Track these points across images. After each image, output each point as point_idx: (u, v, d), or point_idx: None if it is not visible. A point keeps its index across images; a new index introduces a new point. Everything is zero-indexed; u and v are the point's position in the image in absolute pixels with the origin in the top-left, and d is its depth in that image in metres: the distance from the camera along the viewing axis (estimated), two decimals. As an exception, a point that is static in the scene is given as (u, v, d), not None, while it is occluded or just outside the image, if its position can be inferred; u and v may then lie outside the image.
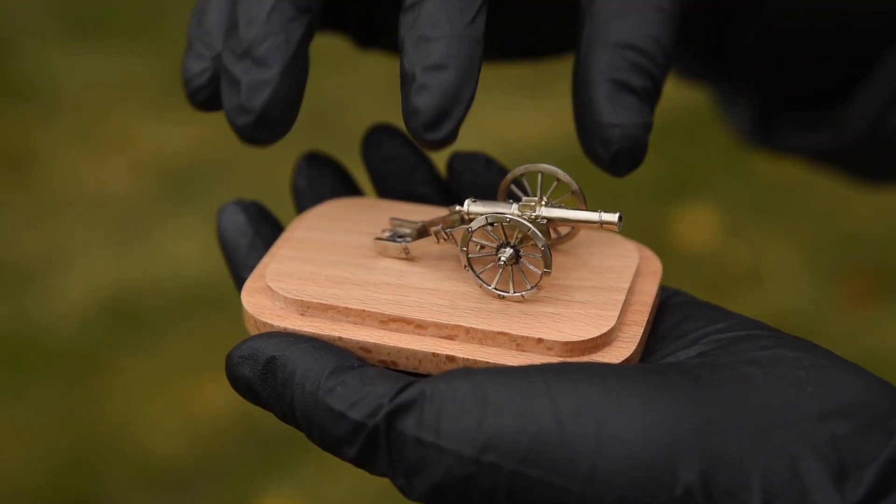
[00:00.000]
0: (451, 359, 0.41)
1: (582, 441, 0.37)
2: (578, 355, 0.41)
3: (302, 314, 0.43)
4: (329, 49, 0.75)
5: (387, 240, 0.45)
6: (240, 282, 0.46)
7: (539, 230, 0.43)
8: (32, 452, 1.47)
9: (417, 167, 0.49)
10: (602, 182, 0.61)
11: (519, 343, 0.42)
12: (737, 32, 0.57)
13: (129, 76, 2.08)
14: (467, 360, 0.41)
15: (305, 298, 0.43)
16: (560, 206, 0.44)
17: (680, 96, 0.97)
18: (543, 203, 0.44)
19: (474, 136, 0.51)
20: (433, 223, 0.45)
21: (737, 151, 1.06)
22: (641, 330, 0.43)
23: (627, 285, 0.44)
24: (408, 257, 0.45)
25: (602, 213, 0.44)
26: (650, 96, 0.44)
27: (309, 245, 0.46)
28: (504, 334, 0.42)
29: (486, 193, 0.47)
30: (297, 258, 0.45)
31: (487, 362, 0.41)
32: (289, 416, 0.41)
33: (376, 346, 0.42)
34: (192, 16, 0.45)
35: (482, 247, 0.44)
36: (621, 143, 0.43)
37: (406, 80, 0.40)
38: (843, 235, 1.76)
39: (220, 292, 1.62)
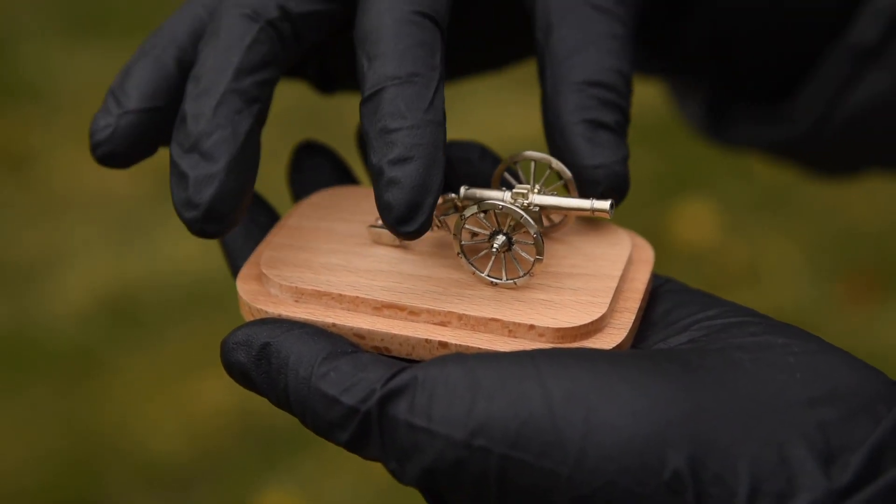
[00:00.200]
0: (443, 345, 0.42)
1: (572, 426, 0.37)
2: (570, 341, 0.42)
3: (296, 301, 0.44)
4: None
5: (381, 227, 0.46)
6: (236, 270, 0.47)
7: (531, 217, 0.43)
8: (32, 452, 1.47)
9: None
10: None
11: (511, 329, 0.42)
12: (680, 26, 0.58)
13: (128, 76, 2.08)
14: (460, 346, 0.42)
15: (300, 285, 0.44)
16: (552, 194, 0.45)
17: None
18: (536, 191, 0.45)
19: (471, 133, 0.51)
20: None
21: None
22: (633, 317, 0.43)
23: (619, 273, 0.44)
24: (401, 245, 0.45)
25: (594, 201, 0.44)
26: (622, 127, 0.45)
27: (304, 233, 0.47)
28: (496, 321, 0.42)
29: (481, 182, 0.47)
30: (292, 246, 0.46)
31: (480, 348, 0.41)
32: (283, 401, 0.42)
33: (370, 332, 0.42)
34: (117, 75, 0.45)
35: (475, 234, 0.44)
36: (607, 182, 0.44)
37: (375, 175, 0.41)
38: (842, 233, 1.76)
39: (220, 291, 1.62)
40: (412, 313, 0.43)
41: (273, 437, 1.48)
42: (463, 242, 0.44)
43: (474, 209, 0.43)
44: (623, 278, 0.44)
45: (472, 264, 0.44)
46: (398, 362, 0.40)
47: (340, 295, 0.43)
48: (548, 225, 0.46)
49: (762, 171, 1.77)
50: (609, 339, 0.42)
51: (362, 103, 0.42)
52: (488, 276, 0.43)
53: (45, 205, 1.83)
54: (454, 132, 0.48)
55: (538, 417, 0.37)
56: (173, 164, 0.42)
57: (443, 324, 0.42)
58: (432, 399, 0.38)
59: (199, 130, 0.42)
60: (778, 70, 0.60)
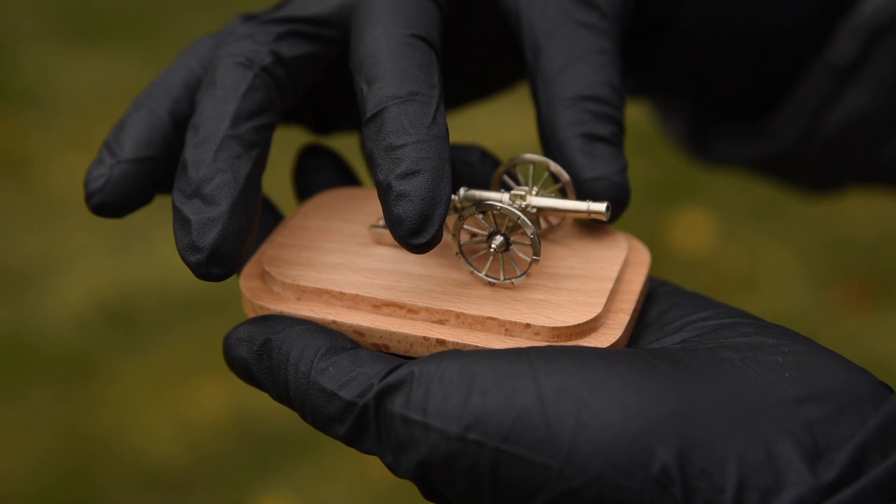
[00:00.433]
0: (441, 342, 0.42)
1: (563, 421, 0.38)
2: (565, 340, 0.42)
3: (298, 298, 0.45)
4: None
5: (382, 227, 0.46)
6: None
7: (529, 219, 0.44)
8: (29, 456, 1.47)
9: None
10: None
11: (507, 328, 0.42)
12: (654, 46, 0.58)
13: (126, 81, 2.08)
14: (457, 343, 0.42)
15: (302, 283, 0.44)
16: (550, 196, 0.45)
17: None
18: (534, 193, 0.45)
19: (470, 140, 0.52)
20: None
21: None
22: (627, 318, 0.44)
23: (615, 274, 0.45)
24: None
25: (590, 203, 0.44)
26: (619, 138, 0.46)
27: (306, 232, 0.47)
28: (493, 319, 0.43)
29: (481, 184, 0.48)
30: (295, 245, 0.47)
31: (477, 346, 0.42)
32: (283, 395, 0.42)
33: (369, 329, 0.43)
34: (112, 128, 0.46)
35: (474, 234, 0.45)
36: (608, 193, 0.45)
37: (383, 191, 0.42)
38: (837, 241, 1.76)
39: (217, 296, 1.63)
40: (411, 311, 0.43)
41: (270, 443, 1.48)
42: (461, 243, 0.44)
43: (473, 210, 0.44)
44: (619, 280, 0.45)
45: (470, 264, 0.44)
46: (396, 359, 0.41)
47: (341, 293, 0.44)
48: (546, 227, 0.47)
49: (775, 188, 1.77)
50: (604, 339, 0.43)
51: (364, 124, 0.43)
52: (486, 276, 0.44)
53: (43, 209, 1.83)
54: (453, 140, 0.49)
55: (531, 412, 0.38)
56: (176, 211, 0.43)
57: (441, 322, 0.43)
58: (428, 394, 0.39)
59: (201, 176, 0.43)
60: (757, 88, 0.61)
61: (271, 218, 0.49)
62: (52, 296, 1.68)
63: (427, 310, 0.43)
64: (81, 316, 1.65)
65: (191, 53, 0.48)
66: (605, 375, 0.39)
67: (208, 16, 2.27)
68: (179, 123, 0.46)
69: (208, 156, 0.43)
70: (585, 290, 0.44)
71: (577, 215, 0.45)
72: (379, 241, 0.47)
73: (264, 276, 0.45)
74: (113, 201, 0.45)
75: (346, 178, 0.52)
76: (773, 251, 1.75)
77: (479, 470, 0.38)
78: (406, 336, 0.43)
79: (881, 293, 1.69)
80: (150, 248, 1.73)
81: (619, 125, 0.46)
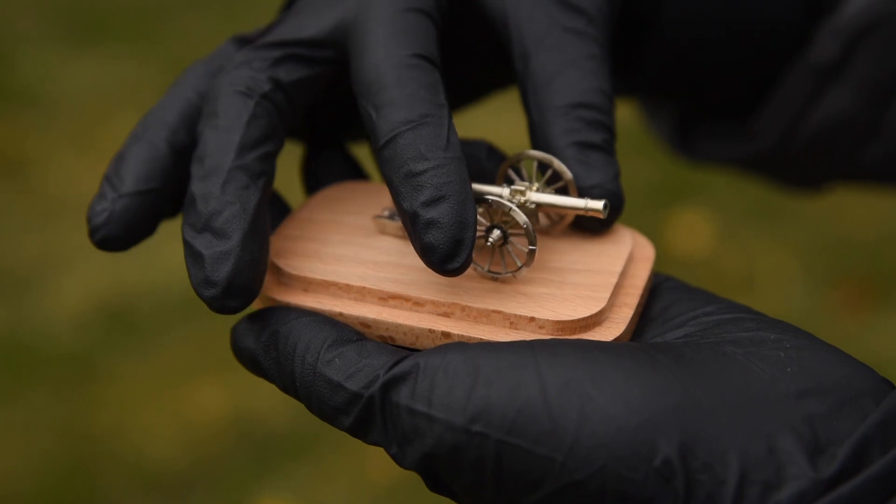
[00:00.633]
0: (446, 335, 0.43)
1: (567, 413, 0.38)
2: (569, 334, 0.42)
3: (305, 290, 0.45)
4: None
5: (387, 218, 0.46)
6: None
7: (526, 213, 0.44)
8: (28, 457, 1.47)
9: None
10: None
11: (512, 321, 0.43)
12: (638, 47, 0.58)
13: (125, 82, 2.09)
14: (462, 336, 0.42)
15: (309, 275, 0.45)
16: (549, 193, 0.45)
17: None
18: (534, 189, 0.45)
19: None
20: None
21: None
22: (632, 312, 0.44)
23: (620, 269, 0.45)
24: (405, 235, 0.46)
25: (588, 200, 0.45)
26: (610, 144, 0.46)
27: (314, 225, 0.48)
28: (498, 312, 0.43)
29: (487, 179, 0.48)
30: (303, 237, 0.47)
31: (481, 339, 0.42)
32: (289, 386, 0.43)
33: (375, 321, 0.43)
34: (111, 161, 0.46)
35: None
36: (603, 200, 0.45)
37: (410, 220, 0.42)
38: (836, 241, 1.76)
39: (216, 297, 1.62)
40: (417, 304, 0.44)
41: (268, 443, 1.48)
42: None
43: None
44: (623, 275, 0.45)
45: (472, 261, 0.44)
46: (402, 350, 0.41)
47: (348, 285, 0.44)
48: (548, 223, 0.47)
49: (759, 185, 1.77)
50: (607, 333, 0.43)
51: (378, 152, 0.43)
52: (489, 271, 0.44)
53: (42, 210, 1.83)
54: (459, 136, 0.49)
55: (535, 405, 0.38)
56: (187, 245, 0.43)
57: (446, 315, 0.43)
58: (433, 385, 0.39)
59: (210, 210, 0.43)
60: (741, 89, 0.61)
61: (279, 210, 0.49)
62: (51, 296, 1.68)
63: (433, 302, 0.43)
64: (81, 316, 1.65)
65: (185, 82, 0.48)
66: (608, 369, 0.39)
67: (208, 16, 2.27)
68: (178, 154, 0.46)
69: (216, 188, 0.43)
70: (590, 284, 0.44)
71: (575, 212, 0.45)
72: (383, 231, 0.47)
73: (272, 267, 0.45)
74: (117, 235, 0.45)
75: (354, 171, 0.52)
76: (772, 252, 1.75)
77: (483, 461, 0.39)
78: (412, 328, 0.43)
79: (880, 294, 1.69)
80: (149, 249, 1.73)
81: (611, 131, 0.46)
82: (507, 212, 0.44)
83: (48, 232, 1.79)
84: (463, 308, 0.43)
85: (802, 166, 0.63)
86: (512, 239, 0.45)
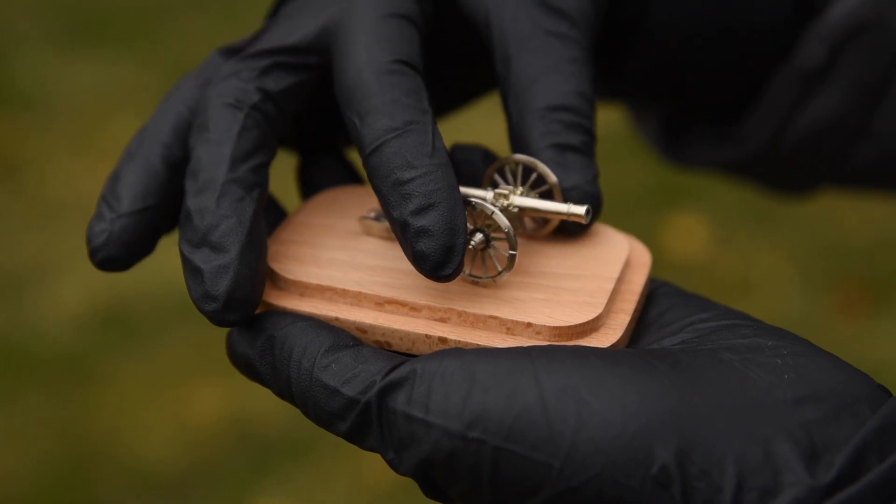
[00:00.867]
0: (443, 340, 0.43)
1: (564, 420, 0.38)
2: (566, 340, 0.42)
3: (301, 295, 0.45)
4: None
5: (373, 219, 0.47)
6: None
7: (509, 217, 0.44)
8: (26, 458, 1.47)
9: None
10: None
11: (509, 327, 0.43)
12: (624, 50, 0.58)
13: (123, 84, 2.09)
14: (459, 342, 0.42)
15: (305, 280, 0.45)
16: (533, 197, 0.45)
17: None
18: (518, 193, 0.45)
19: (463, 139, 0.52)
20: None
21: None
22: (628, 318, 0.44)
23: (617, 275, 0.45)
24: (390, 237, 0.46)
25: (570, 205, 0.45)
26: (589, 147, 0.46)
27: (310, 229, 0.48)
28: (494, 318, 0.43)
29: (484, 184, 0.48)
30: (298, 241, 0.47)
31: (478, 344, 0.42)
32: (285, 392, 0.43)
33: (372, 326, 0.43)
34: (107, 180, 0.47)
35: None
36: (580, 202, 0.45)
37: (400, 228, 0.42)
38: (833, 245, 1.76)
39: (214, 299, 1.62)
40: (413, 309, 0.43)
41: (266, 446, 1.48)
42: None
43: None
44: (620, 280, 0.45)
45: None
46: (398, 356, 0.41)
47: (344, 290, 0.44)
48: (534, 227, 0.47)
49: (749, 189, 1.77)
50: (604, 339, 0.43)
51: (365, 161, 0.43)
52: (469, 274, 0.44)
53: (40, 212, 1.83)
54: (453, 140, 0.49)
55: (532, 411, 0.38)
56: (185, 261, 0.43)
57: (443, 320, 0.43)
58: (430, 391, 0.39)
59: (206, 224, 0.43)
60: (728, 93, 0.61)
61: (275, 215, 0.49)
62: (48, 298, 1.68)
63: (429, 308, 0.43)
64: (78, 319, 1.65)
65: (176, 96, 0.48)
66: (605, 375, 0.39)
67: (206, 18, 2.27)
68: (173, 169, 0.46)
69: (211, 203, 0.43)
70: (587, 290, 0.44)
71: (557, 216, 0.45)
72: (368, 233, 0.47)
73: (268, 272, 0.45)
74: (117, 255, 0.45)
75: (350, 176, 0.52)
76: (768, 256, 1.75)
77: (480, 468, 0.39)
78: (408, 334, 0.43)
79: (876, 299, 1.69)
80: (146, 251, 1.73)
81: (590, 134, 0.46)
82: (489, 215, 0.44)
83: (46, 233, 1.79)
84: (459, 313, 0.43)
85: (791, 169, 0.63)
86: (494, 243, 0.44)
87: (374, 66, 0.44)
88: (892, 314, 1.66)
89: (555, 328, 0.42)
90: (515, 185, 0.46)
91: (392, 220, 0.42)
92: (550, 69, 0.46)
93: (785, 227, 1.79)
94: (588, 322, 0.43)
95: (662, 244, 1.74)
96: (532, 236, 0.47)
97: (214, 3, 2.32)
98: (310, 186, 0.52)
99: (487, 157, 0.48)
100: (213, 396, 1.54)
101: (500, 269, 0.44)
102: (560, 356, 0.39)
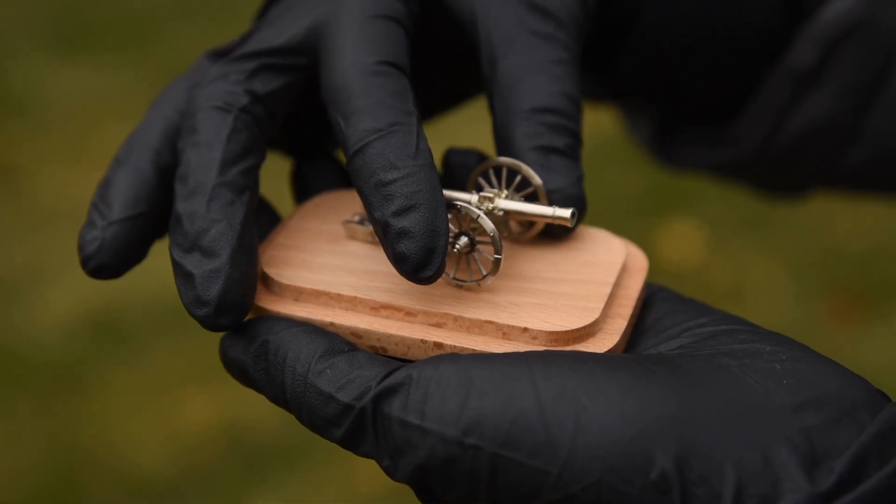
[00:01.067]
0: (438, 346, 0.42)
1: (561, 425, 0.38)
2: (563, 345, 0.42)
3: (296, 300, 0.44)
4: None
5: (356, 223, 0.46)
6: None
7: (494, 220, 0.44)
8: (16, 466, 1.47)
9: None
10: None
11: (505, 332, 0.42)
12: (615, 51, 0.58)
13: (115, 90, 2.08)
14: (455, 347, 0.42)
15: (299, 284, 0.44)
16: (518, 200, 0.45)
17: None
18: (503, 196, 0.45)
19: (459, 142, 0.52)
20: None
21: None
22: (625, 323, 0.43)
23: (613, 280, 0.45)
24: (374, 241, 0.46)
25: (556, 209, 0.44)
26: (574, 149, 0.46)
27: (304, 234, 0.47)
28: (491, 323, 0.42)
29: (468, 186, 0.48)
30: (293, 246, 0.46)
31: (474, 350, 0.42)
32: (279, 397, 0.42)
33: (367, 331, 0.43)
34: (97, 187, 0.46)
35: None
36: (564, 205, 0.45)
37: (381, 229, 0.42)
38: (826, 252, 1.77)
39: (206, 306, 1.62)
40: (409, 314, 0.43)
41: (258, 453, 1.48)
42: None
43: None
44: (617, 285, 0.45)
45: None
46: (394, 361, 0.41)
47: (339, 295, 0.44)
48: (518, 231, 0.47)
49: (742, 191, 1.78)
50: (601, 344, 0.43)
51: (348, 162, 0.43)
52: (454, 278, 0.44)
53: (32, 219, 1.83)
54: (445, 146, 0.49)
55: (529, 416, 0.38)
56: (176, 265, 0.43)
57: (438, 325, 0.43)
58: (426, 397, 0.39)
59: (196, 228, 0.43)
60: (720, 94, 0.61)
61: (269, 219, 0.49)
62: (39, 306, 1.68)
63: (425, 313, 0.43)
64: (69, 326, 1.64)
65: (165, 101, 0.47)
66: (602, 380, 0.38)
67: (197, 25, 2.27)
68: (164, 175, 0.46)
69: (201, 207, 0.43)
70: (583, 294, 0.44)
71: (542, 220, 0.45)
72: (352, 237, 0.47)
73: (262, 276, 0.45)
74: (109, 263, 0.45)
75: (344, 180, 0.51)
76: (762, 263, 1.75)
77: (477, 474, 0.38)
78: (404, 339, 0.43)
79: (869, 306, 1.69)
80: (138, 257, 1.73)
81: (576, 136, 0.46)
82: (475, 219, 0.43)
83: (38, 240, 1.79)
84: (455, 318, 0.43)
85: (785, 171, 0.63)
86: (479, 247, 0.44)
87: (359, 66, 0.44)
88: (886, 321, 1.66)
89: (551, 333, 0.42)
90: (500, 188, 0.46)
91: (374, 222, 0.42)
92: (536, 70, 0.46)
93: (778, 234, 1.79)
94: (585, 327, 0.42)
95: (655, 251, 1.74)
96: (517, 240, 0.46)
97: (205, 11, 2.32)
98: (304, 190, 0.51)
99: (482, 160, 0.48)
100: (205, 402, 1.53)
101: (485, 273, 0.44)
102: (557, 361, 0.39)
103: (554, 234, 0.46)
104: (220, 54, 0.48)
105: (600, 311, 0.43)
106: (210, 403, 1.54)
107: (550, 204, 0.45)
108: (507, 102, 0.46)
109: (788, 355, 0.40)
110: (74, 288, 1.69)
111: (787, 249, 1.77)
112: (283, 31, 0.46)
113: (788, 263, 1.75)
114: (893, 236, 1.78)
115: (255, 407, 1.50)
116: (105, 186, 0.46)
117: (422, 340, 0.42)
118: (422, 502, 0.41)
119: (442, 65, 0.52)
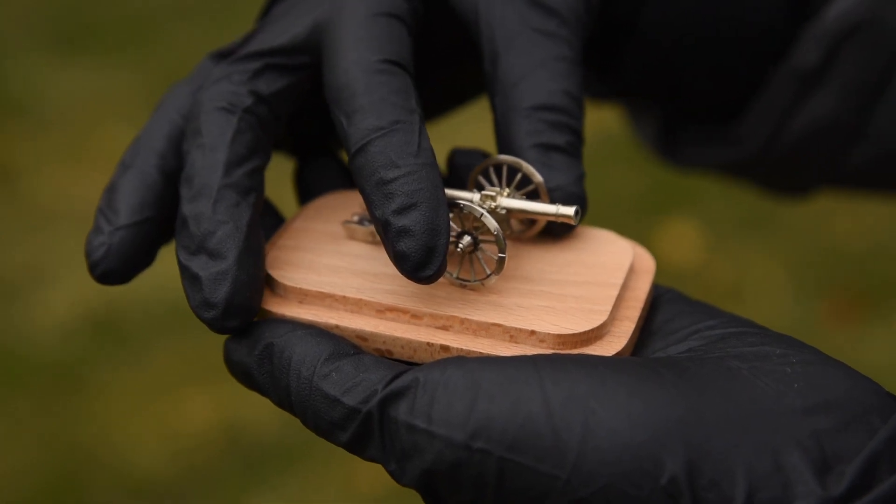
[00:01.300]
0: (445, 348, 0.42)
1: (570, 429, 0.37)
2: (571, 348, 0.42)
3: (300, 302, 0.44)
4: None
5: (356, 223, 0.46)
6: None
7: (497, 219, 0.44)
8: (15, 466, 1.47)
9: None
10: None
11: (512, 335, 0.42)
12: (618, 49, 0.58)
13: (114, 91, 2.08)
14: (461, 350, 0.42)
15: (304, 286, 0.44)
16: (521, 198, 0.45)
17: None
18: (505, 194, 0.45)
19: (460, 142, 0.52)
20: None
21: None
22: (633, 325, 0.43)
23: (621, 281, 0.44)
24: (374, 241, 0.46)
25: (559, 207, 0.44)
26: (576, 147, 0.46)
27: (309, 235, 0.47)
28: (498, 326, 0.42)
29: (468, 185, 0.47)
30: (297, 247, 0.46)
31: (481, 352, 0.42)
32: (284, 401, 0.42)
33: (372, 334, 0.43)
34: (103, 192, 0.46)
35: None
36: (564, 203, 0.45)
37: (382, 228, 0.42)
38: (825, 252, 1.77)
39: (205, 306, 1.62)
40: (415, 316, 0.43)
41: (257, 454, 1.48)
42: None
43: None
44: (624, 287, 0.45)
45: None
46: (400, 364, 0.41)
47: (344, 297, 0.43)
48: (520, 229, 0.46)
49: (746, 190, 1.78)
50: (609, 347, 0.42)
51: (350, 160, 0.43)
52: (457, 277, 0.44)
53: (31, 220, 1.83)
54: (448, 146, 0.49)
55: (537, 420, 0.38)
56: (183, 268, 0.43)
57: (445, 328, 0.43)
58: (433, 401, 0.39)
59: (203, 231, 0.42)
60: (724, 94, 0.61)
61: (272, 220, 0.49)
62: (39, 306, 1.67)
63: (431, 315, 0.43)
64: (68, 326, 1.64)
65: (168, 104, 0.47)
66: (611, 384, 0.38)
67: (196, 25, 2.27)
68: (169, 178, 0.46)
69: (207, 209, 0.43)
70: (591, 297, 0.43)
71: (545, 218, 0.44)
72: (352, 237, 0.46)
73: (266, 279, 0.45)
74: (117, 268, 0.45)
75: (347, 181, 0.51)
76: (761, 263, 1.75)
77: (484, 478, 0.38)
78: (410, 342, 0.42)
79: (869, 305, 1.69)
80: (137, 257, 1.73)
81: (577, 134, 0.46)
82: (478, 217, 0.43)
83: (38, 240, 1.78)
84: (462, 321, 0.42)
85: (789, 170, 0.62)
86: (483, 246, 0.44)
87: (362, 65, 0.43)
88: (886, 321, 1.66)
89: (559, 336, 0.42)
90: (501, 187, 0.45)
91: (375, 220, 0.42)
92: (537, 67, 0.46)
93: (778, 234, 1.79)
94: (593, 330, 0.42)
95: (655, 250, 1.73)
96: (519, 238, 0.46)
97: (204, 11, 2.32)
98: (307, 191, 0.51)
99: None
100: (205, 403, 1.53)
101: (488, 272, 0.44)
102: (565, 365, 0.39)
103: (554, 232, 0.46)
104: (223, 55, 0.47)
105: (608, 313, 0.43)
106: (210, 404, 1.53)
107: (552, 202, 0.45)
108: (508, 100, 0.46)
109: (798, 358, 0.40)
110: (74, 288, 1.69)
111: (787, 249, 1.77)
112: (285, 30, 0.46)
113: (788, 263, 1.75)
114: (893, 236, 1.78)
115: (255, 407, 1.49)
116: (111, 191, 0.46)
117: (428, 343, 0.42)
118: None
119: (445, 65, 0.52)
